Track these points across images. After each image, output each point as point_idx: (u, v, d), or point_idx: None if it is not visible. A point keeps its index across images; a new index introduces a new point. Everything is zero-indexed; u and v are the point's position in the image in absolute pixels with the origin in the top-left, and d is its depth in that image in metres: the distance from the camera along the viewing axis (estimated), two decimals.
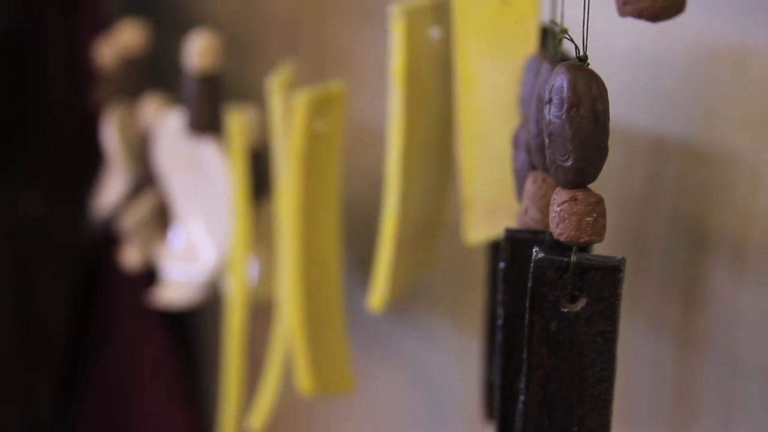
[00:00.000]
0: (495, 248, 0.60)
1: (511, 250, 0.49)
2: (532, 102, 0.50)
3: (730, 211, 0.54)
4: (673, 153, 0.57)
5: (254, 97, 0.74)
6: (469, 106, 0.56)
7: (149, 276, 0.99)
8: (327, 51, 0.73)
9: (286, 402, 0.71)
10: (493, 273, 0.61)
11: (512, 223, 0.58)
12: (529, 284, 0.46)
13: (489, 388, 0.61)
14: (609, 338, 0.46)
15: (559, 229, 0.45)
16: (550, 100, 0.44)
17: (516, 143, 0.52)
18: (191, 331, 1.08)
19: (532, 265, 0.46)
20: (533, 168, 0.50)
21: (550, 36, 0.56)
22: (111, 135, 0.84)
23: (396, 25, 0.58)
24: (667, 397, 0.59)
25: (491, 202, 0.57)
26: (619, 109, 0.49)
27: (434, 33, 0.59)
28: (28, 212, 0.94)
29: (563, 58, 0.49)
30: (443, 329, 0.75)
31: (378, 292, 0.62)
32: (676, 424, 0.58)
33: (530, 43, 0.55)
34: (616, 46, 0.57)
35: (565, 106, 0.43)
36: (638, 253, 0.59)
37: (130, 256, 0.82)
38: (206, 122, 0.73)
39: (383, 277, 0.61)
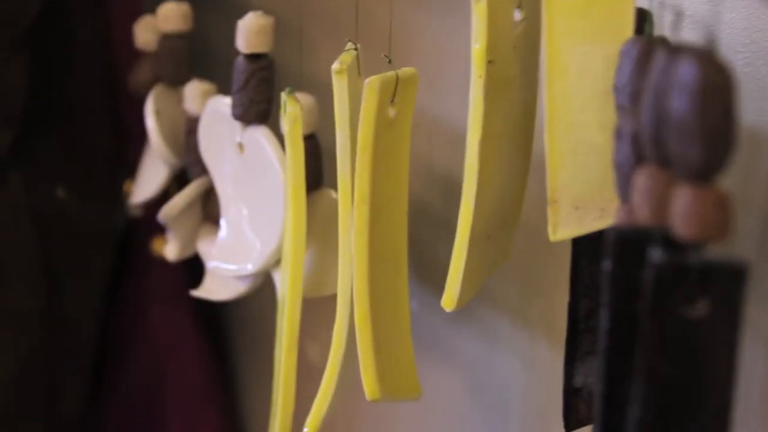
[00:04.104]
0: (578, 245, 0.57)
1: (620, 250, 0.46)
2: (641, 91, 0.47)
3: None
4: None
5: (304, 84, 0.71)
6: (557, 94, 0.53)
7: (185, 268, 0.96)
8: (385, 37, 0.70)
9: (341, 406, 0.67)
10: (575, 271, 0.58)
11: (601, 220, 0.55)
12: (647, 287, 0.43)
13: (570, 394, 0.58)
14: (731, 345, 0.43)
15: (681, 227, 0.42)
16: (674, 90, 0.41)
17: (619, 134, 0.49)
18: (223, 324, 1.06)
19: (650, 267, 0.43)
20: (641, 161, 0.47)
21: (647, 20, 0.53)
22: (151, 122, 0.80)
23: (478, 6, 0.54)
24: (757, 400, 0.56)
25: (579, 196, 0.54)
26: None
27: (517, 15, 0.56)
28: (59, 202, 0.91)
29: (678, 46, 0.45)
30: (507, 330, 0.72)
31: (451, 291, 0.58)
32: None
33: (626, 28, 0.52)
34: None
35: (695, 97, 0.41)
36: (728, 251, 0.56)
37: (170, 248, 0.79)
38: (256, 109, 0.70)
39: (456, 275, 0.58)
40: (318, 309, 0.72)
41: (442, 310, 0.60)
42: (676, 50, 0.44)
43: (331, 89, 0.63)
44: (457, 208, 0.59)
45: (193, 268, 0.89)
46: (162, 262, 0.96)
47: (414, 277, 0.70)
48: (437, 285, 0.75)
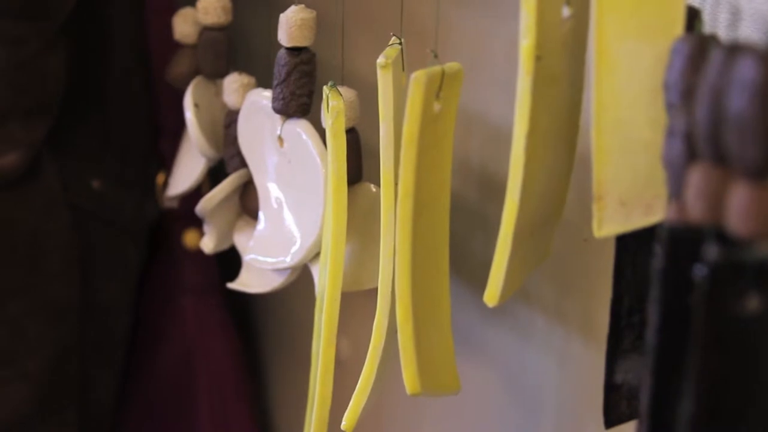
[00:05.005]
0: (622, 241, 0.57)
1: (673, 247, 0.46)
2: (694, 88, 0.47)
3: None
4: None
5: (345, 78, 0.71)
6: (606, 91, 0.53)
7: (216, 261, 0.96)
8: (423, 32, 0.70)
9: (376, 402, 0.67)
10: (618, 267, 0.58)
11: (648, 216, 0.55)
12: (702, 284, 0.43)
13: (611, 390, 0.58)
14: None
15: (737, 224, 0.42)
16: (732, 88, 0.42)
17: (671, 132, 0.48)
18: (253, 316, 1.06)
19: (706, 264, 0.43)
20: (694, 158, 0.47)
21: (698, 18, 0.53)
22: (190, 114, 0.80)
23: (527, 2, 0.54)
24: None
25: (625, 192, 0.54)
26: None
27: (566, 12, 0.56)
28: (94, 192, 0.91)
29: (735, 43, 0.45)
30: (542, 327, 0.72)
31: (493, 287, 0.58)
32: None
33: (677, 25, 0.52)
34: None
35: (755, 95, 0.41)
36: None
37: (207, 241, 0.79)
38: (297, 102, 0.70)
39: (500, 271, 0.58)
40: (348, 304, 0.72)
41: (476, 305, 0.60)
42: (733, 48, 0.44)
43: (370, 84, 0.63)
44: (493, 204, 0.58)
45: (224, 261, 0.89)
46: (193, 254, 0.96)
47: (449, 272, 0.70)
48: (472, 280, 0.75)
